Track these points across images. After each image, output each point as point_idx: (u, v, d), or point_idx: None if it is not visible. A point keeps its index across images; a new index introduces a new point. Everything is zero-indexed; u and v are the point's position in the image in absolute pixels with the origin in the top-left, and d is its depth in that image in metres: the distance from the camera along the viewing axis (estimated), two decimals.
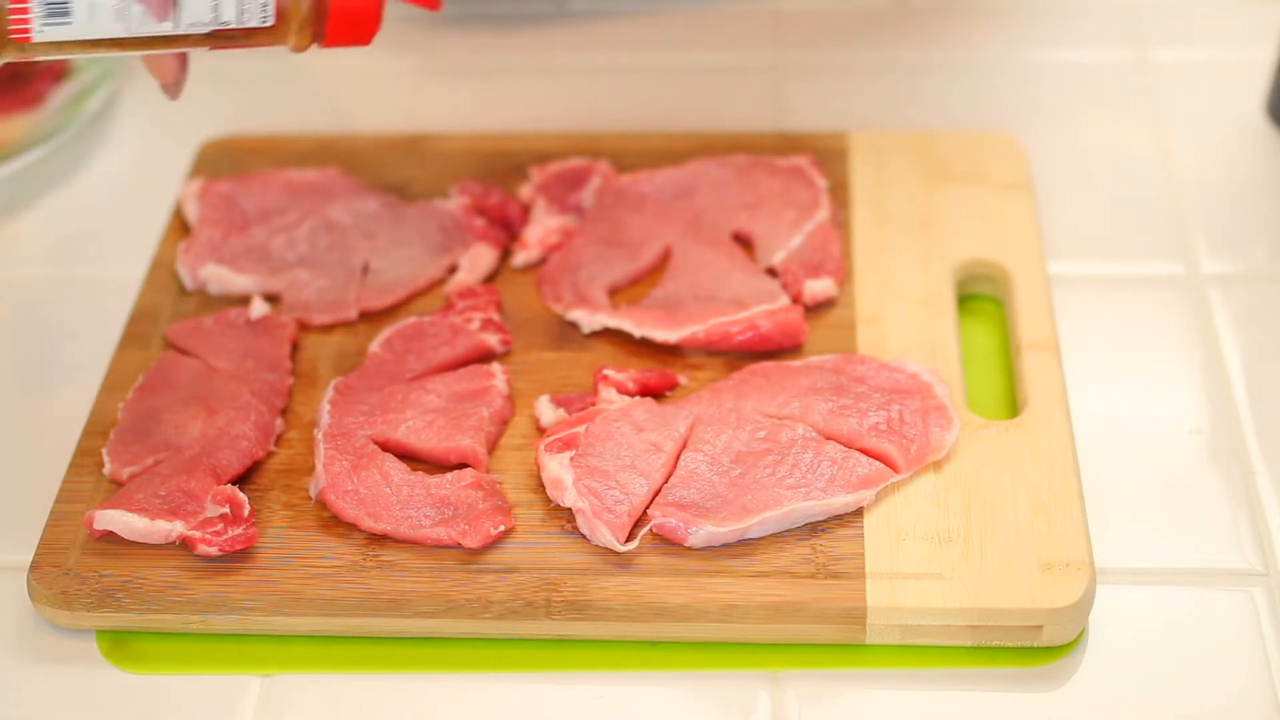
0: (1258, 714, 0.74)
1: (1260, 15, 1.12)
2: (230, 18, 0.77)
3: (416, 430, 0.83)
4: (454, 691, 0.77)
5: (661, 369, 0.87)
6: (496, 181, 0.99)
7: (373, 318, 0.92)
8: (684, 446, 0.82)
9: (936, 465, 0.81)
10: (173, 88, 0.84)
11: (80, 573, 0.79)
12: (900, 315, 0.89)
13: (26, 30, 0.75)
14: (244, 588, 0.78)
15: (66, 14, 0.75)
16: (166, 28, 0.77)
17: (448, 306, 0.91)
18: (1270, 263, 0.96)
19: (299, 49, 0.79)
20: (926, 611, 0.75)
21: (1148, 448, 0.85)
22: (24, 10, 0.75)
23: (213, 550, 0.78)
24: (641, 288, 0.93)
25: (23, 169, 1.03)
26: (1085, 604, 0.75)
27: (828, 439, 0.81)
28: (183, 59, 0.83)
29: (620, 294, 0.93)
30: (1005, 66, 1.11)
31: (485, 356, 0.89)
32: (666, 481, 0.80)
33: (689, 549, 0.78)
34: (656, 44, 1.14)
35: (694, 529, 0.77)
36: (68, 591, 0.78)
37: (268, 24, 0.78)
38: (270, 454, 0.84)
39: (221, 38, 0.78)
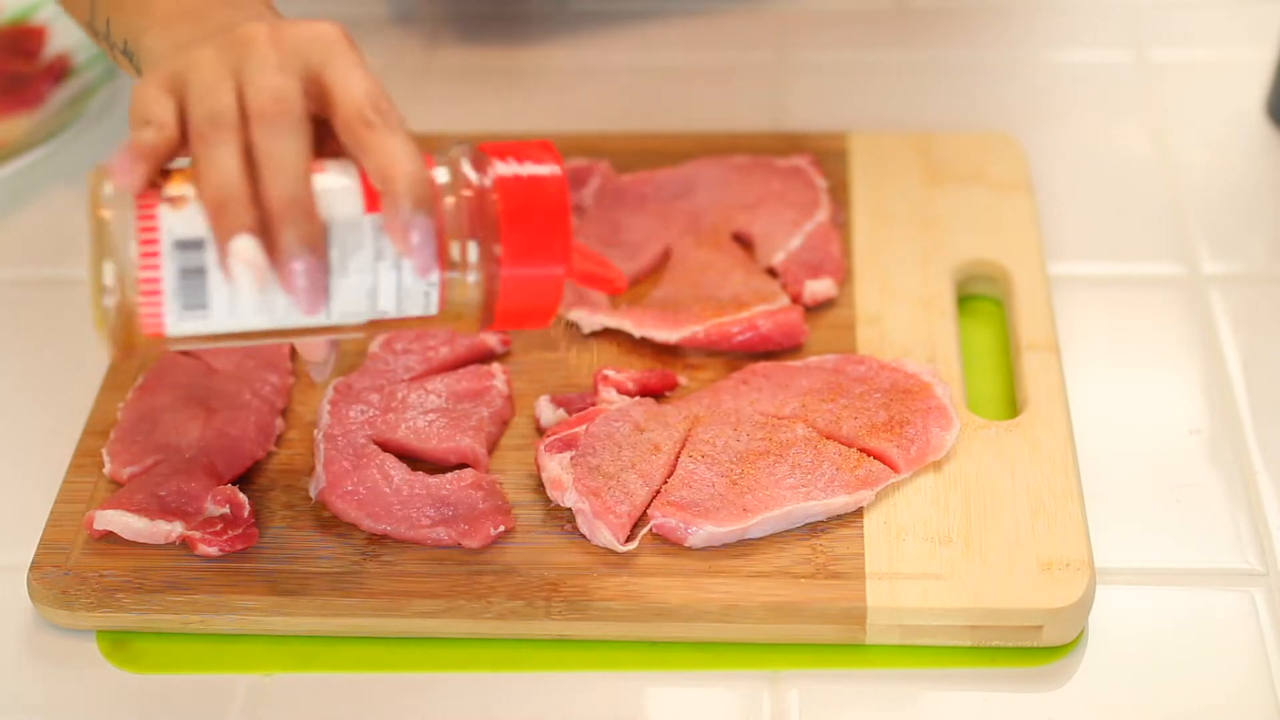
0: (1258, 714, 0.74)
1: (1260, 15, 1.12)
2: (389, 308, 0.69)
3: (416, 430, 0.83)
4: (454, 691, 0.76)
5: (661, 369, 0.87)
6: None
7: None
8: (684, 446, 0.82)
9: (936, 465, 0.81)
10: (319, 366, 0.76)
11: (80, 573, 0.79)
12: (900, 315, 0.89)
13: (159, 325, 0.67)
14: (243, 588, 0.78)
15: (204, 306, 0.67)
16: (319, 319, 0.69)
17: None
18: (1270, 263, 0.96)
19: (469, 335, 0.71)
20: (926, 611, 0.75)
21: (1148, 448, 0.85)
22: (156, 305, 0.67)
23: (213, 550, 0.78)
24: (641, 288, 0.93)
25: (23, 169, 1.03)
26: (1085, 604, 0.75)
27: (827, 439, 0.81)
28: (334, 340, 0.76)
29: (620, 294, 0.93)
30: (1005, 66, 1.11)
31: (485, 356, 0.89)
32: (666, 481, 0.80)
33: (689, 549, 0.78)
34: (656, 44, 1.14)
35: (694, 529, 0.77)
36: (68, 591, 0.78)
37: (429, 314, 0.70)
38: (270, 454, 0.84)
39: (380, 325, 0.70)
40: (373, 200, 0.68)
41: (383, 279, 0.68)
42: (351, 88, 0.68)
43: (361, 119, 0.68)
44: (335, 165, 0.69)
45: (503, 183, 0.69)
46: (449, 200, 0.69)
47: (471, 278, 0.69)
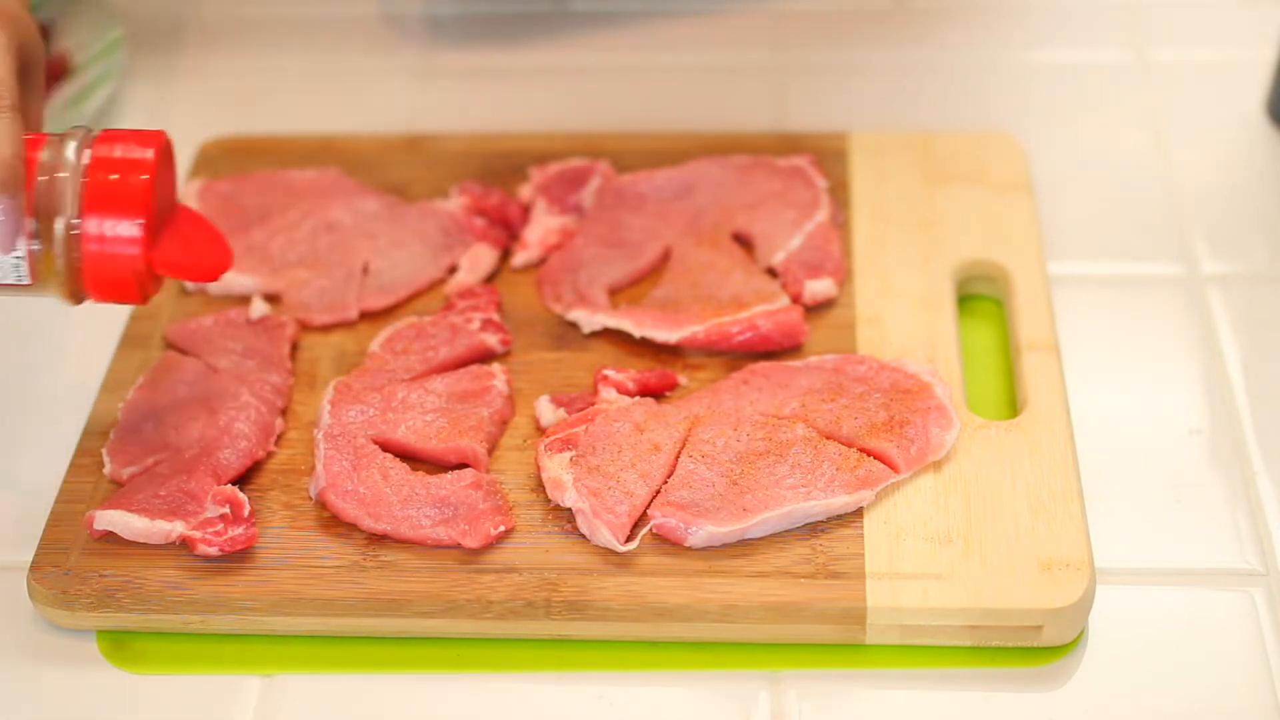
0: (1258, 714, 0.74)
1: (1260, 15, 1.12)
2: None
3: (416, 430, 0.83)
4: (454, 691, 0.77)
5: (661, 369, 0.87)
6: (496, 181, 0.99)
7: (373, 318, 0.92)
8: (684, 446, 0.82)
9: (936, 465, 0.81)
10: None
11: (80, 573, 0.79)
12: (900, 315, 0.89)
13: None
14: (244, 588, 0.78)
15: None
16: None
17: (448, 306, 0.91)
18: (1270, 263, 0.96)
19: (72, 303, 0.77)
20: (926, 611, 0.75)
21: (1148, 448, 0.85)
22: None
23: (213, 550, 0.78)
24: (641, 288, 0.93)
25: None
26: (1085, 604, 0.75)
27: (827, 439, 0.81)
28: None
29: (620, 294, 0.93)
30: (1005, 66, 1.11)
31: (485, 356, 0.89)
32: (666, 481, 0.80)
33: (689, 549, 0.78)
34: (656, 44, 1.14)
35: (694, 529, 0.77)
36: (68, 591, 0.78)
37: (23, 283, 0.76)
38: (270, 454, 0.84)
39: None
40: None
41: None
42: None
43: None
44: None
45: (93, 165, 0.75)
46: (42, 179, 0.75)
47: (57, 251, 0.75)
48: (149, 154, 0.76)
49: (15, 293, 0.77)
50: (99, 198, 0.75)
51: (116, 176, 0.75)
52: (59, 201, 0.75)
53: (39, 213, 0.75)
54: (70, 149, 0.76)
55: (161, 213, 0.78)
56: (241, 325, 0.90)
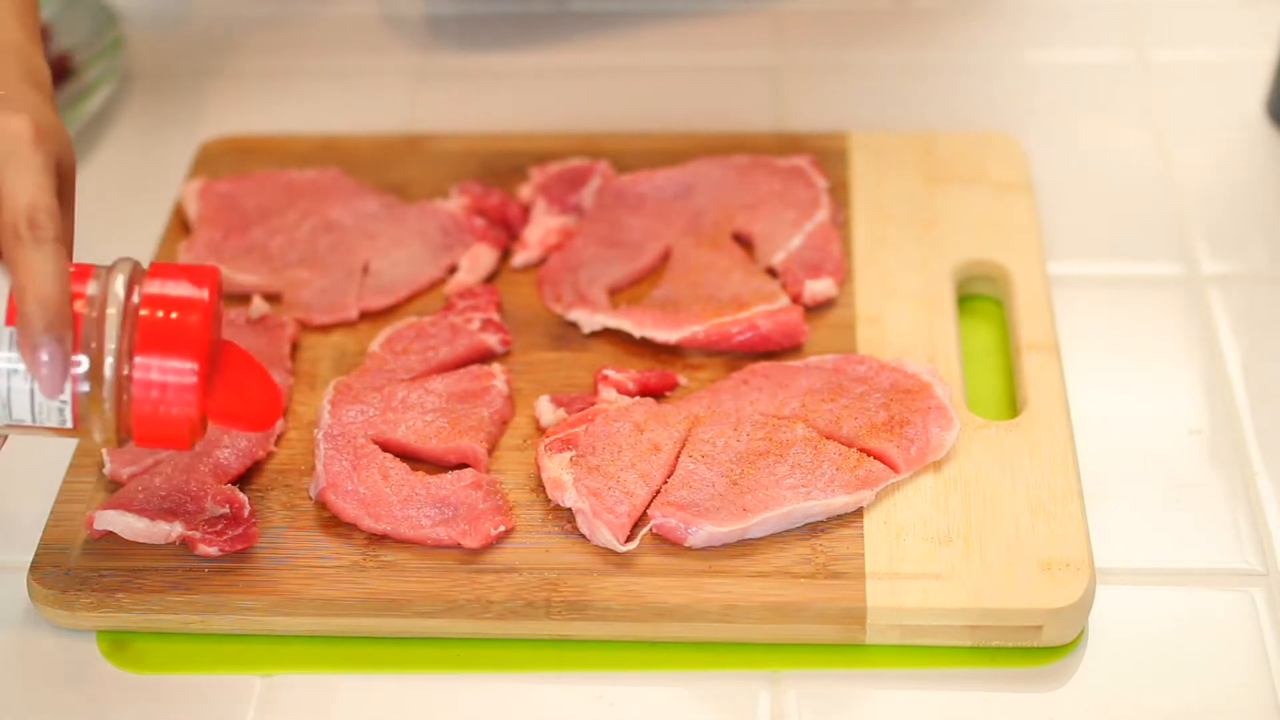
0: (1258, 714, 0.74)
1: (1260, 15, 1.12)
2: (24, 417, 0.70)
3: (416, 430, 0.83)
4: (454, 691, 0.77)
5: (661, 369, 0.87)
6: (496, 181, 0.99)
7: (373, 318, 0.92)
8: (684, 446, 0.82)
9: (936, 465, 0.81)
10: None
11: (80, 573, 0.79)
12: (900, 315, 0.89)
13: None
14: (244, 588, 0.78)
15: None
16: None
17: (448, 306, 0.91)
18: (1270, 263, 0.96)
19: (113, 446, 0.72)
20: (926, 611, 0.75)
21: (1148, 448, 0.85)
22: None
23: (213, 550, 0.78)
24: (641, 288, 0.93)
25: None
26: (1085, 604, 0.75)
27: (827, 439, 0.81)
28: None
29: (620, 294, 0.92)
30: (1005, 66, 1.11)
31: (485, 356, 0.89)
32: (666, 481, 0.80)
33: (689, 549, 0.78)
34: (656, 44, 1.14)
35: (694, 529, 0.77)
36: (68, 591, 0.78)
37: (66, 427, 0.70)
38: (270, 454, 0.84)
39: (20, 429, 0.71)
40: (14, 313, 0.69)
41: (15, 389, 0.69)
42: (16, 195, 0.69)
43: (13, 231, 0.68)
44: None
45: (146, 303, 0.70)
46: (92, 315, 0.69)
47: (106, 395, 0.69)
48: (204, 293, 0.70)
49: (54, 435, 0.71)
50: (153, 338, 0.69)
51: (173, 315, 0.70)
52: (109, 340, 0.69)
53: (87, 352, 0.69)
54: (119, 283, 0.70)
55: (213, 354, 0.72)
56: (241, 325, 0.90)
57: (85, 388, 0.69)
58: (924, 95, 1.09)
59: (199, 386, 0.70)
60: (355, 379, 0.87)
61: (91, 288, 0.70)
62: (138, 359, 0.69)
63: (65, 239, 0.70)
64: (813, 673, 0.76)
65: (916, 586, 0.76)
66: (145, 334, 0.69)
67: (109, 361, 0.69)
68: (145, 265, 0.72)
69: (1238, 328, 0.91)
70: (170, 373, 0.69)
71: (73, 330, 0.69)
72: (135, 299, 0.70)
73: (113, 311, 0.69)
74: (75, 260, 0.72)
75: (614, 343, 0.89)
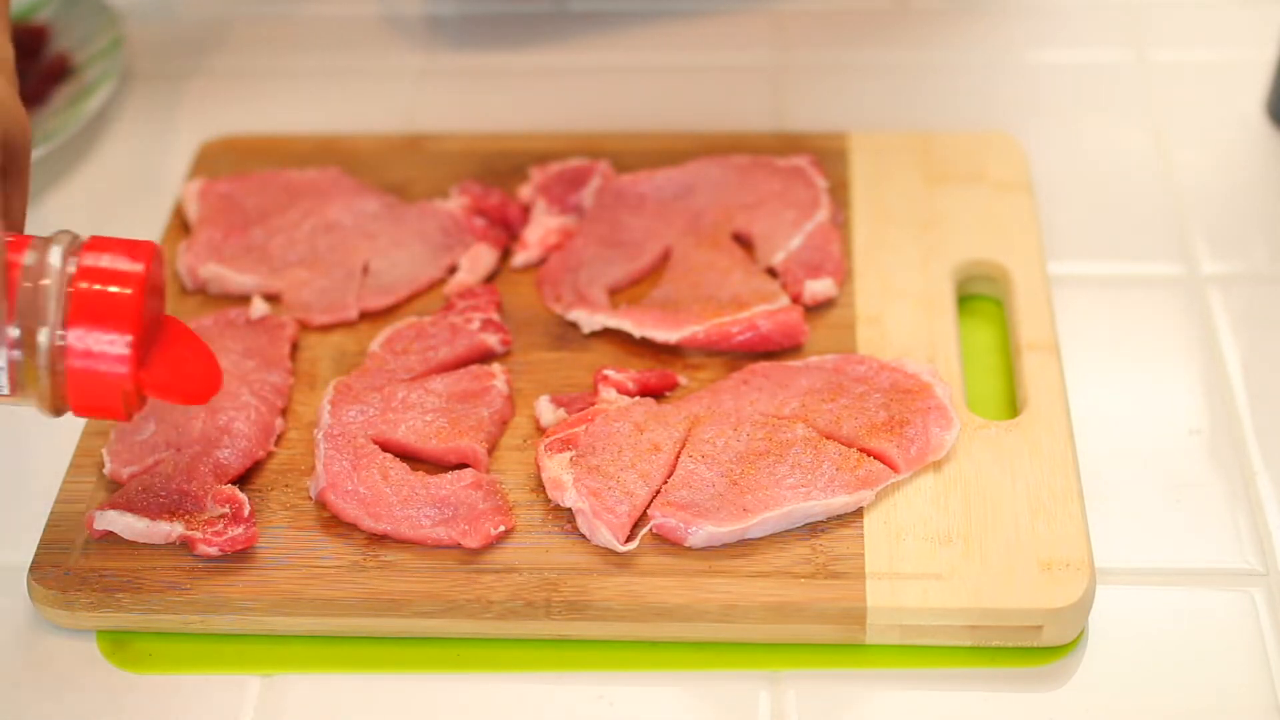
0: (1258, 714, 0.74)
1: (1260, 15, 1.12)
2: None
3: (416, 430, 0.83)
4: (454, 691, 0.77)
5: (661, 369, 0.87)
6: (496, 181, 0.99)
7: (373, 318, 0.92)
8: (684, 446, 0.82)
9: (936, 465, 0.81)
10: None
11: (80, 573, 0.79)
12: (900, 315, 0.89)
13: None
14: (244, 588, 0.78)
15: None
16: None
17: (448, 306, 0.91)
18: (1270, 263, 0.96)
19: (51, 415, 0.73)
20: (926, 611, 0.75)
21: (1148, 448, 0.85)
22: None
23: (213, 550, 0.78)
24: (641, 288, 0.93)
25: None
26: (1085, 604, 0.75)
27: (827, 439, 0.81)
28: None
29: (620, 294, 0.93)
30: (1005, 66, 1.11)
31: (485, 356, 0.89)
32: (666, 481, 0.80)
33: (689, 549, 0.78)
34: (656, 44, 1.14)
35: (694, 529, 0.77)
36: (68, 591, 0.78)
37: (3, 394, 0.71)
38: (270, 454, 0.84)
39: None
40: None
41: None
42: None
43: None
44: None
45: (81, 275, 0.71)
46: (26, 284, 0.70)
47: (40, 363, 0.71)
48: (139, 266, 0.71)
49: None
50: (87, 310, 0.70)
51: (107, 288, 0.71)
52: (44, 310, 0.70)
53: (22, 321, 0.70)
54: (55, 254, 0.71)
55: (150, 328, 0.73)
56: (241, 325, 0.90)
57: (19, 355, 0.71)
58: (924, 95, 1.09)
59: (132, 358, 0.71)
60: (355, 379, 0.87)
61: (28, 258, 0.71)
62: (71, 330, 0.70)
63: (4, 210, 0.71)
64: (813, 673, 0.76)
65: (916, 586, 0.76)
66: (78, 305, 0.70)
67: (43, 331, 0.70)
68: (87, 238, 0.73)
69: (1238, 328, 0.91)
70: (103, 343, 0.71)
71: (7, 300, 0.70)
72: (71, 269, 0.71)
73: (47, 282, 0.70)
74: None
75: (614, 343, 0.89)
